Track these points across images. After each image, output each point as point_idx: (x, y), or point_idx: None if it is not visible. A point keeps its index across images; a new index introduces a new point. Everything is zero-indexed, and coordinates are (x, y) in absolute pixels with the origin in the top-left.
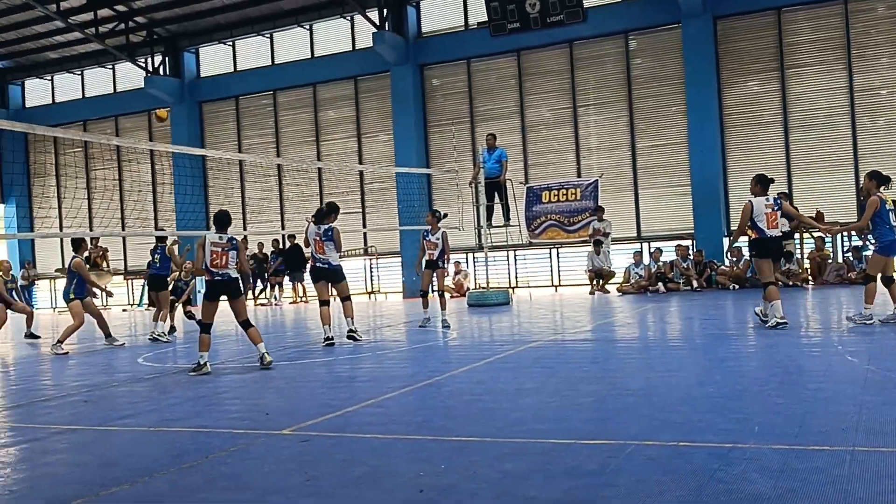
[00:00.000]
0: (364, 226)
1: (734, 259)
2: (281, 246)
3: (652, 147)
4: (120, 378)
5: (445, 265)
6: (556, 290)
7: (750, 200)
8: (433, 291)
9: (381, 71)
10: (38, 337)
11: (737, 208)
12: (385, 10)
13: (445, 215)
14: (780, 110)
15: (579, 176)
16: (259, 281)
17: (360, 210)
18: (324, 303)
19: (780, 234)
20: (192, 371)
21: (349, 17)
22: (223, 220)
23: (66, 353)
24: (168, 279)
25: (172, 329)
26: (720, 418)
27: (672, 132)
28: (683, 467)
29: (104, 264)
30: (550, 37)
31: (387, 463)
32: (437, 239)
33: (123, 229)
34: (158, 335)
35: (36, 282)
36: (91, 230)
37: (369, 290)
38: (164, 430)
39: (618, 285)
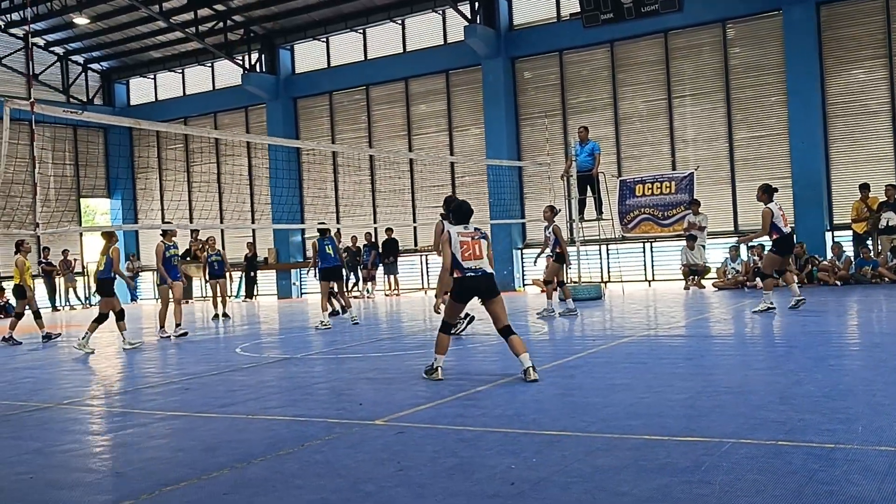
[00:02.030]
0: None
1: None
2: (374, 239)
3: (750, 138)
4: (219, 367)
5: (552, 255)
6: (649, 286)
7: (769, 206)
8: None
9: (472, 64)
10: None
11: (840, 202)
12: (476, 4)
13: (559, 210)
14: (887, 99)
15: (674, 169)
16: (352, 273)
17: None
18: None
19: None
20: (427, 374)
21: (441, 11)
22: (467, 212)
23: (185, 333)
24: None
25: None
26: (822, 418)
27: (772, 123)
28: (782, 467)
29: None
30: (645, 27)
31: (478, 455)
32: (549, 233)
33: (222, 222)
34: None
35: (140, 273)
36: (191, 223)
37: None
38: (261, 417)
39: (713, 280)
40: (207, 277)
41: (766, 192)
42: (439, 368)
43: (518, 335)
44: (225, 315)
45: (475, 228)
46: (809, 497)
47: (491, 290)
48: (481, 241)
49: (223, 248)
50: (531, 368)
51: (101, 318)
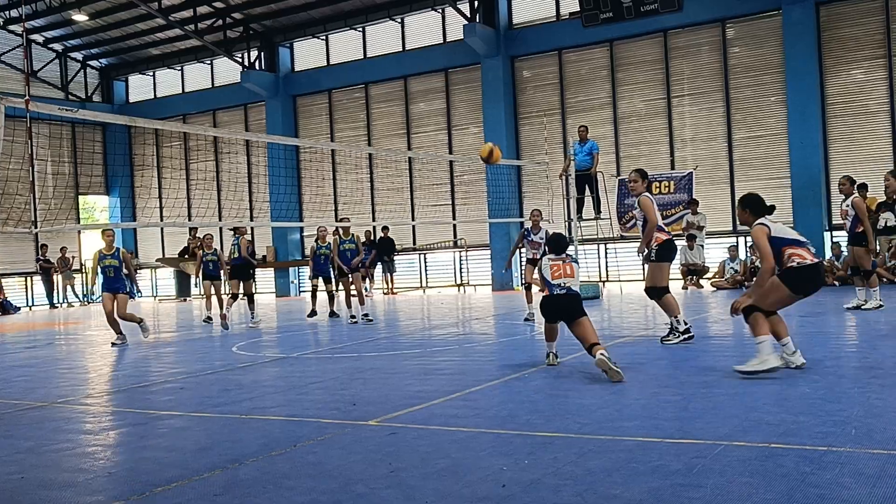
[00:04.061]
0: (454, 218)
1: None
2: (372, 237)
3: (749, 138)
4: (215, 366)
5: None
6: None
7: (859, 197)
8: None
9: (471, 63)
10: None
11: (839, 202)
12: (476, 2)
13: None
14: (886, 99)
15: (673, 168)
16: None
17: (450, 202)
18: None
19: None
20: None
21: (440, 10)
22: (563, 244)
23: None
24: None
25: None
26: (815, 420)
27: (771, 123)
28: (774, 470)
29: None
30: (644, 26)
31: (470, 456)
32: (541, 239)
33: (220, 220)
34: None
35: (138, 271)
36: (189, 220)
37: (458, 282)
38: (255, 417)
39: (712, 280)
40: (201, 277)
41: (853, 183)
42: (551, 354)
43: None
44: (220, 317)
45: (566, 254)
46: (800, 501)
47: (575, 311)
48: (572, 264)
49: (220, 247)
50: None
51: (235, 297)
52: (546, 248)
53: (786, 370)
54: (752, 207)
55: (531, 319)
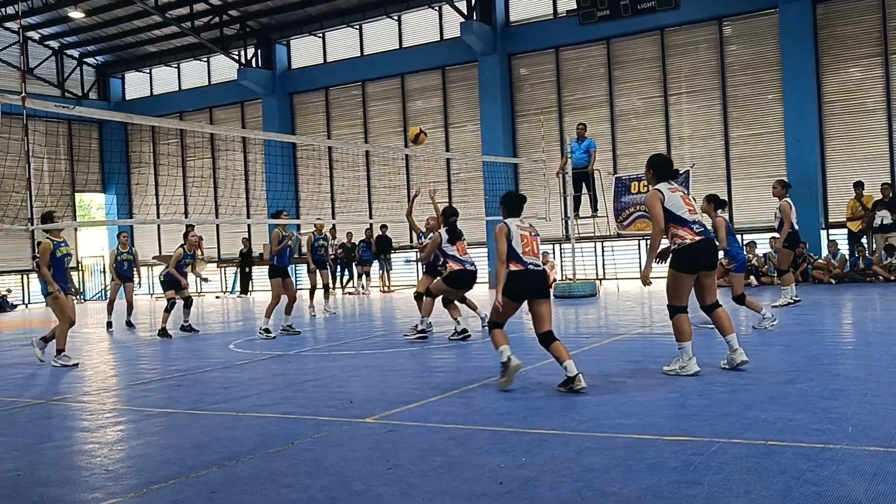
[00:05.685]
0: None
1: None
2: (371, 235)
3: (746, 136)
4: (212, 363)
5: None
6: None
7: (787, 200)
8: None
9: (468, 61)
10: (133, 326)
11: (835, 200)
12: (473, 0)
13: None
14: (883, 98)
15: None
16: (346, 270)
17: (447, 200)
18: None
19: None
20: (503, 374)
21: (437, 7)
22: (519, 203)
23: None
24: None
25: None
26: (812, 417)
27: (768, 121)
28: (771, 467)
29: (199, 252)
30: (641, 24)
31: (467, 453)
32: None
33: (217, 217)
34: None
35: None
36: (186, 217)
37: None
38: (252, 415)
39: None
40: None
41: (784, 187)
42: (510, 358)
43: (560, 341)
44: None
45: (530, 224)
46: (797, 498)
47: (545, 290)
48: (537, 239)
49: (219, 244)
50: (580, 376)
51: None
52: (502, 210)
53: (783, 371)
54: (656, 170)
55: (428, 333)
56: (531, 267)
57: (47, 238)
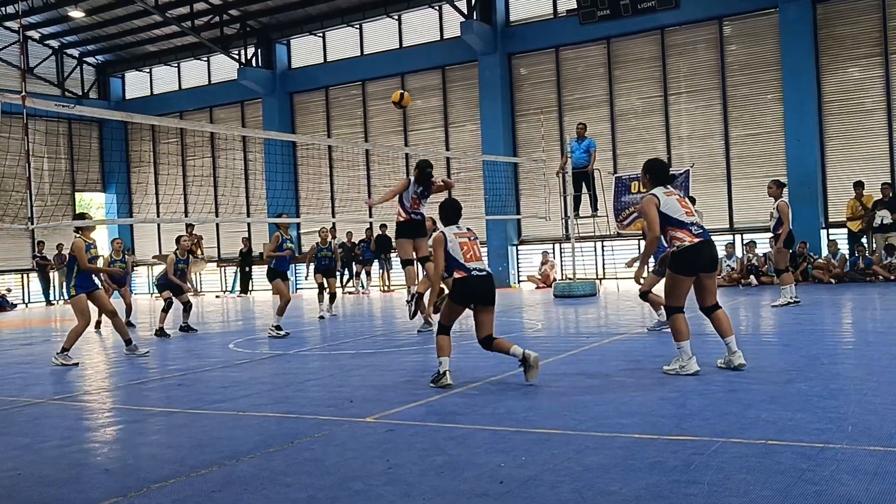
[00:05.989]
0: None
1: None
2: (371, 234)
3: (746, 136)
4: (212, 363)
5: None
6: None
7: (784, 200)
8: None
9: (468, 60)
10: (133, 325)
11: (835, 200)
12: (473, 0)
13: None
14: (882, 97)
15: (670, 166)
16: (346, 269)
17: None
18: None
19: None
20: (434, 382)
21: (437, 7)
22: (456, 211)
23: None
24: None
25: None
26: (812, 417)
27: (767, 120)
28: (771, 467)
29: (198, 252)
30: (641, 24)
31: (467, 453)
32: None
33: (217, 216)
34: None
35: (135, 268)
36: (186, 217)
37: None
38: (252, 414)
39: None
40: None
41: (779, 187)
42: (447, 373)
43: (499, 337)
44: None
45: (468, 229)
46: (797, 497)
47: (492, 296)
48: (477, 242)
49: (220, 243)
50: (526, 350)
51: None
52: (441, 219)
53: (783, 371)
54: (652, 174)
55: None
56: (475, 273)
57: (78, 237)
